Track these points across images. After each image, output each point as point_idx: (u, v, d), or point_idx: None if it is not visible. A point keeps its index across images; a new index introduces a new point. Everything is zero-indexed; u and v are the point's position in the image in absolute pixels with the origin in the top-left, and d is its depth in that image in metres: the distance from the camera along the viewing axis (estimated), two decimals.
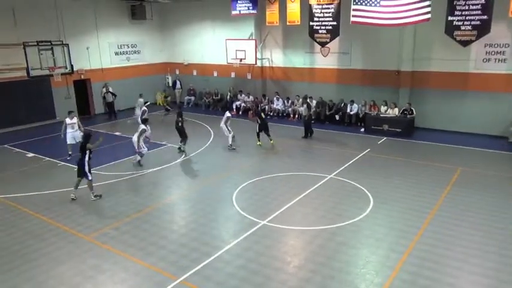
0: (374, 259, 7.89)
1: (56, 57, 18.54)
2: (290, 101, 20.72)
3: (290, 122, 19.89)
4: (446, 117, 17.07)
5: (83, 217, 9.91)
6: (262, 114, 15.95)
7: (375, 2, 14.09)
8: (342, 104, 19.02)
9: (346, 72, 19.31)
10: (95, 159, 14.05)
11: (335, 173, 12.50)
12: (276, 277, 7.35)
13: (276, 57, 21.54)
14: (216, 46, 23.01)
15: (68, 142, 14.30)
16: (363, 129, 17.74)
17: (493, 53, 15.66)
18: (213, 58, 23.49)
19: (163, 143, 16.19)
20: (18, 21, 18.40)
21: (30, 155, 15.03)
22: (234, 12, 19.78)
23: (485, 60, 15.86)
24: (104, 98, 21.69)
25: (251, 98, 21.70)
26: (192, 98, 24.21)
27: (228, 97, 22.67)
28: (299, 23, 17.54)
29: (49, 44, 18.24)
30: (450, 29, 13.55)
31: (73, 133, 14.27)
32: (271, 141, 15.67)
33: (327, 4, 15.85)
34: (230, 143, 15.18)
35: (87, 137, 10.87)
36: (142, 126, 13.55)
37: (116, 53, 23.19)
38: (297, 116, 20.09)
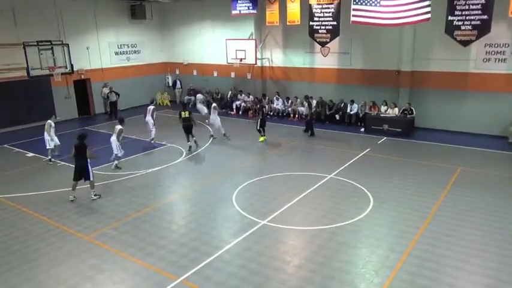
0: (374, 259, 7.88)
1: (56, 57, 18.54)
2: (290, 101, 20.71)
3: (290, 121, 19.87)
4: (446, 117, 17.07)
5: (83, 217, 9.90)
6: (264, 111, 15.98)
7: (375, 2, 14.07)
8: (342, 104, 19.01)
9: (346, 72, 19.30)
10: (97, 158, 14.13)
11: (335, 172, 12.49)
12: (275, 277, 7.34)
13: (276, 57, 21.53)
14: (216, 46, 23.01)
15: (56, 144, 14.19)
16: (363, 129, 17.73)
17: (493, 52, 15.65)
18: (213, 58, 23.50)
19: (163, 143, 16.18)
20: (18, 21, 18.40)
21: (30, 154, 15.03)
22: (234, 12, 19.77)
23: (485, 60, 15.86)
24: (107, 97, 21.66)
25: (251, 97, 21.70)
26: (192, 97, 24.17)
27: (228, 97, 22.67)
28: (299, 23, 17.53)
29: (49, 43, 18.24)
30: (450, 29, 13.53)
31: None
32: (264, 138, 15.89)
33: (327, 4, 15.84)
34: (223, 132, 16.41)
35: (83, 137, 10.75)
36: (119, 127, 13.32)
37: (116, 53, 23.19)
38: (297, 116, 20.10)
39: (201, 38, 23.96)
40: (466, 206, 10.04)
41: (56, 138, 14.27)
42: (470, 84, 16.36)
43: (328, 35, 16.24)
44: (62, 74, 18.93)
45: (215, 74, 23.89)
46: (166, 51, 25.85)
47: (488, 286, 6.98)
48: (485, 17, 12.86)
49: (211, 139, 16.48)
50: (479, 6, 12.86)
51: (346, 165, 13.21)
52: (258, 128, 16.11)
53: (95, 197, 10.87)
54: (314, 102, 19.49)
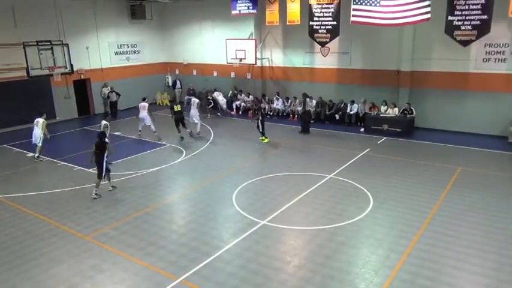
0: (374, 259, 7.88)
1: (55, 57, 18.50)
2: (290, 101, 20.71)
3: (290, 121, 19.87)
4: (446, 117, 17.07)
5: (83, 217, 9.90)
6: (263, 111, 15.93)
7: (375, 2, 14.07)
8: (342, 104, 19.01)
9: (346, 72, 19.30)
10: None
11: (335, 172, 12.49)
12: (275, 277, 7.34)
13: (276, 57, 21.53)
14: (215, 46, 23.00)
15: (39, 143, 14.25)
16: (362, 129, 17.73)
17: (493, 52, 15.66)
18: (213, 58, 23.49)
19: (163, 143, 16.18)
20: (18, 21, 18.38)
21: (30, 154, 15.01)
22: (233, 12, 19.76)
23: (485, 60, 15.86)
24: (108, 97, 21.63)
25: (251, 97, 21.70)
26: (192, 97, 24.14)
27: (228, 96, 22.66)
28: (299, 23, 17.52)
29: (49, 43, 18.21)
30: (450, 29, 13.53)
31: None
32: (265, 140, 15.77)
33: (326, 4, 15.84)
34: (198, 130, 16.84)
35: (103, 134, 11.16)
36: (105, 122, 13.78)
37: (116, 53, 23.18)
38: (296, 116, 20.10)
39: (201, 38, 23.96)
40: (466, 206, 10.04)
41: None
42: (470, 84, 16.36)
43: (328, 35, 16.24)
44: (62, 74, 18.90)
45: (215, 74, 23.89)
46: (166, 51, 25.85)
47: (488, 286, 6.98)
48: (485, 17, 12.86)
49: (182, 139, 16.47)
50: (479, 6, 12.87)
51: (346, 165, 13.21)
52: (262, 130, 16.02)
53: (96, 196, 10.94)
54: (314, 102, 19.53)
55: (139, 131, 17.02)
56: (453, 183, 11.49)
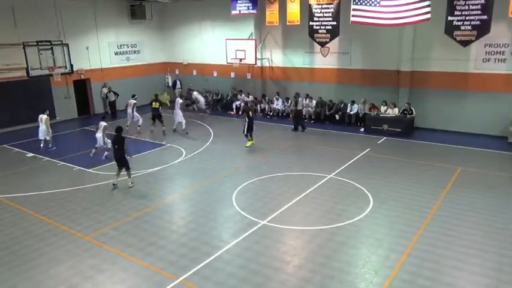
0: (374, 259, 7.89)
1: (55, 57, 18.50)
2: (290, 101, 20.71)
3: (290, 122, 19.84)
4: (446, 117, 17.07)
5: (83, 217, 9.90)
6: (251, 113, 15.49)
7: (375, 2, 14.07)
8: (342, 105, 19.01)
9: (345, 72, 19.30)
10: (95, 158, 14.13)
11: (335, 172, 12.49)
12: (275, 277, 7.34)
13: (276, 57, 21.53)
14: (215, 46, 23.00)
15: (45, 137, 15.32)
16: (362, 129, 17.73)
17: (492, 53, 15.66)
18: (213, 58, 23.49)
19: (163, 143, 16.19)
20: (18, 21, 18.38)
21: (30, 154, 15.02)
22: (233, 12, 19.76)
23: (485, 60, 15.86)
24: (106, 97, 21.64)
25: (251, 97, 21.70)
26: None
27: (228, 97, 22.67)
28: (299, 23, 17.52)
29: (49, 43, 18.21)
30: (450, 29, 13.54)
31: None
32: (248, 143, 15.38)
33: (326, 4, 15.84)
34: (183, 127, 17.37)
35: (120, 130, 11.62)
36: (104, 123, 14.24)
37: (116, 53, 23.18)
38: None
39: (201, 38, 23.96)
40: (466, 206, 10.04)
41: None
42: (470, 84, 16.36)
43: (328, 35, 16.24)
44: (62, 74, 18.91)
45: (215, 74, 23.88)
46: (166, 51, 25.85)
47: (488, 286, 6.98)
48: (485, 17, 12.87)
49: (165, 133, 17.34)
50: (479, 7, 12.87)
51: (346, 165, 13.22)
52: (245, 132, 15.33)
53: (131, 185, 11.67)
54: (314, 102, 19.56)
55: (132, 126, 17.83)
56: (453, 183, 11.49)
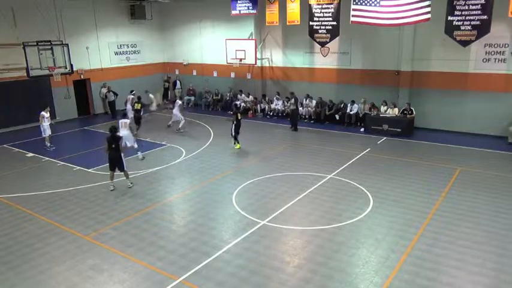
0: (373, 259, 7.89)
1: (55, 57, 18.47)
2: (288, 102, 20.71)
3: (290, 122, 19.84)
4: (446, 117, 17.07)
5: (82, 217, 9.90)
6: (239, 115, 15.17)
7: (375, 2, 14.07)
8: (342, 105, 19.01)
9: (345, 72, 19.30)
10: (96, 158, 14.13)
11: (335, 172, 12.50)
12: (275, 277, 7.35)
13: (276, 57, 21.53)
14: (215, 46, 23.01)
15: (49, 133, 15.54)
16: (362, 129, 17.74)
17: (492, 53, 15.66)
18: (213, 58, 23.50)
19: (163, 143, 16.19)
20: (17, 21, 18.39)
21: (30, 154, 15.03)
22: (233, 12, 19.76)
23: (485, 60, 15.86)
24: (106, 97, 21.66)
25: (251, 97, 21.71)
26: (192, 97, 24.21)
27: (228, 97, 22.68)
28: (299, 23, 17.51)
29: (49, 43, 18.19)
30: (450, 29, 13.53)
31: (48, 125, 15.55)
32: (237, 146, 15.16)
33: (326, 4, 15.83)
34: (180, 126, 17.54)
35: (115, 129, 11.42)
36: (126, 120, 14.32)
37: (116, 53, 23.20)
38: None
39: (200, 38, 23.96)
40: (466, 206, 10.04)
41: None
42: (470, 84, 16.36)
43: (328, 35, 16.23)
44: (62, 74, 18.90)
45: (215, 74, 23.88)
46: (166, 51, 25.86)
47: (488, 286, 6.98)
48: (484, 17, 12.86)
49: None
50: (478, 7, 12.86)
51: (346, 165, 13.22)
52: (233, 134, 15.03)
53: (131, 185, 11.65)
54: (314, 102, 19.57)
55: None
56: (453, 184, 11.49)
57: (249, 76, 22.40)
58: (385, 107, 17.74)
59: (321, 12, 16.10)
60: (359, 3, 14.37)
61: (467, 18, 13.12)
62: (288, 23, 18.04)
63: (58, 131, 18.28)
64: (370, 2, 14.15)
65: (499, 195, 10.59)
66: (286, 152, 15.01)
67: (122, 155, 11.50)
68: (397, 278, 7.25)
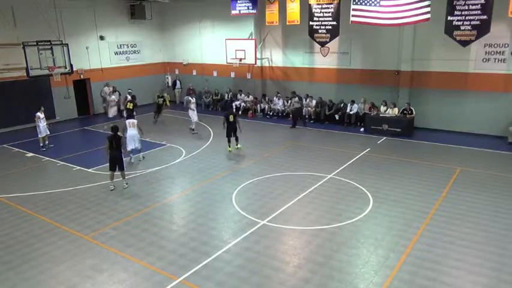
0: (373, 259, 7.89)
1: (55, 57, 18.46)
2: (289, 101, 20.72)
3: (289, 121, 19.86)
4: (446, 117, 17.07)
5: (82, 217, 9.90)
6: (231, 116, 14.64)
7: (375, 2, 14.07)
8: (342, 104, 19.01)
9: (345, 72, 19.30)
10: (96, 158, 14.13)
11: (334, 172, 12.50)
12: (275, 277, 7.34)
13: (276, 57, 21.53)
14: (215, 46, 23.01)
15: (46, 134, 15.57)
16: (362, 129, 17.74)
17: (492, 53, 15.66)
18: (213, 58, 23.50)
19: (163, 143, 16.18)
20: (17, 21, 18.39)
21: (30, 154, 15.03)
22: (233, 12, 19.76)
23: (484, 60, 15.86)
24: (109, 96, 21.48)
25: (251, 97, 21.71)
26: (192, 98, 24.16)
27: (228, 97, 22.68)
28: (299, 23, 17.51)
29: (48, 43, 18.18)
30: (450, 29, 13.53)
31: (45, 125, 15.57)
32: (238, 146, 14.99)
33: (326, 4, 15.83)
34: (193, 127, 17.44)
35: (116, 129, 11.44)
36: (133, 120, 14.18)
37: (116, 53, 23.19)
38: (290, 114, 20.11)
39: (200, 37, 23.96)
40: (466, 206, 10.04)
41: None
42: (470, 84, 16.37)
43: (328, 35, 16.24)
44: (62, 74, 18.88)
45: (215, 73, 23.88)
46: (166, 51, 25.86)
47: (488, 286, 6.98)
48: (484, 17, 12.86)
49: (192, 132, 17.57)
50: (478, 7, 12.86)
51: (346, 165, 13.22)
52: (227, 136, 14.78)
53: (126, 186, 11.67)
54: (314, 102, 19.58)
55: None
56: (453, 183, 11.50)
57: (249, 76, 22.40)
58: (385, 107, 17.74)
59: (320, 12, 16.10)
60: (359, 3, 14.37)
61: (467, 18, 13.12)
62: (287, 23, 18.04)
63: (58, 131, 18.30)
64: (370, 2, 14.16)
65: (499, 195, 10.59)
66: (286, 152, 15.01)
67: (122, 155, 11.51)
68: (397, 277, 7.25)
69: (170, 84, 25.48)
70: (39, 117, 15.27)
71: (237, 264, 7.75)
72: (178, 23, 24.63)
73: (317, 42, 16.98)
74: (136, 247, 8.45)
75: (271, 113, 20.95)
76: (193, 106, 17.54)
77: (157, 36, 25.32)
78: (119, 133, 11.53)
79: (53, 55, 18.38)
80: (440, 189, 11.10)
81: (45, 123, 15.49)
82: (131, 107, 17.08)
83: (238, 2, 19.33)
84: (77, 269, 7.72)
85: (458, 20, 13.30)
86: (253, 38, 21.21)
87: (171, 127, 18.08)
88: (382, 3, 13.98)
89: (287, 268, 7.64)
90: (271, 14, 18.74)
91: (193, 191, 11.49)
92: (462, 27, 13.28)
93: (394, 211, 9.86)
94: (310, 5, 16.29)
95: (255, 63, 21.15)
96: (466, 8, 13.06)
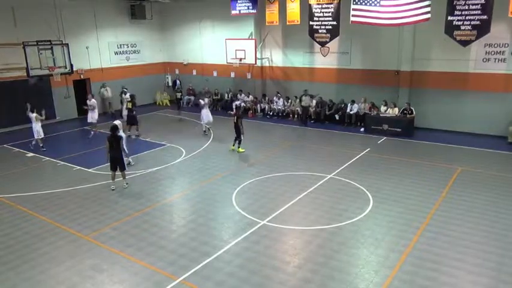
0: (373, 259, 7.89)
1: (55, 57, 18.47)
2: (290, 101, 20.74)
3: (290, 121, 19.89)
4: (446, 117, 17.07)
5: (82, 217, 9.90)
6: (236, 118, 14.73)
7: (375, 2, 14.06)
8: (343, 105, 19.01)
9: (345, 72, 19.30)
10: (96, 158, 14.13)
11: (335, 172, 12.49)
12: (275, 277, 7.35)
13: (276, 57, 21.53)
14: (215, 46, 23.01)
15: (41, 136, 15.36)
16: (362, 129, 17.73)
17: (492, 53, 15.66)
18: (213, 58, 23.50)
19: (163, 143, 16.18)
20: (17, 21, 18.39)
21: (30, 154, 15.03)
22: (233, 12, 19.75)
23: (485, 60, 15.86)
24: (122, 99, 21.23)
25: (251, 97, 21.71)
26: (192, 97, 24.21)
27: (228, 96, 22.68)
28: (299, 23, 17.51)
29: (49, 43, 18.19)
30: (450, 29, 13.52)
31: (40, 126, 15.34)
32: (232, 148, 15.00)
33: (326, 4, 15.82)
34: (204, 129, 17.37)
35: (115, 129, 11.39)
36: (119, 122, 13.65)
37: (116, 53, 23.18)
38: (296, 115, 20.14)
39: (200, 37, 23.96)
40: (466, 206, 10.04)
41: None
42: (470, 84, 16.36)
43: (328, 35, 16.23)
44: (62, 74, 18.89)
45: (215, 73, 23.88)
46: (166, 51, 25.86)
47: (488, 286, 6.98)
48: (484, 17, 12.85)
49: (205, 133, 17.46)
50: (478, 7, 12.85)
51: (346, 165, 13.22)
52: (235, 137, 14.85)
53: (126, 186, 11.68)
54: (314, 102, 19.59)
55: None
56: (453, 183, 11.49)
57: (249, 76, 22.40)
58: (385, 107, 17.74)
59: (321, 12, 16.09)
60: (359, 3, 14.36)
61: (467, 18, 13.11)
62: (288, 23, 18.03)
63: (58, 131, 18.30)
64: (370, 2, 14.15)
65: (499, 195, 10.59)
66: (286, 152, 15.01)
67: (123, 155, 11.51)
68: (397, 277, 7.25)
69: (170, 84, 25.50)
70: (32, 118, 15.04)
71: (237, 264, 7.75)
72: (179, 23, 24.64)
73: (317, 42, 16.97)
74: (136, 247, 8.45)
75: (271, 113, 20.95)
76: (205, 106, 17.36)
77: (157, 36, 25.32)
78: (117, 133, 11.48)
79: (53, 55, 18.39)
80: (440, 189, 11.10)
81: (39, 123, 15.17)
82: (130, 106, 17.07)
83: (238, 2, 19.33)
84: (77, 269, 7.72)
85: (458, 20, 13.28)
86: (253, 38, 21.21)
87: (171, 127, 18.07)
88: (382, 3, 13.96)
89: (287, 268, 7.64)
90: (271, 13, 18.74)
91: (193, 191, 11.49)
92: (462, 27, 13.27)
93: (394, 211, 9.86)
94: (310, 5, 16.28)
95: (255, 63, 21.15)
96: (466, 8, 13.05)
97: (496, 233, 8.71)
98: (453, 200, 10.40)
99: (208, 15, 23.03)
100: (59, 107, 20.49)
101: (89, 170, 13.22)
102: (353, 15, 14.65)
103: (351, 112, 18.56)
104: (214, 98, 23.26)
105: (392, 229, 8.99)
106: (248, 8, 19.20)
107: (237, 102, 21.68)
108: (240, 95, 22.15)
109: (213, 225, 9.41)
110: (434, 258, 7.82)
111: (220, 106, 22.96)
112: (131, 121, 16.86)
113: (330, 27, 16.00)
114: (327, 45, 17.57)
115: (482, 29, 12.99)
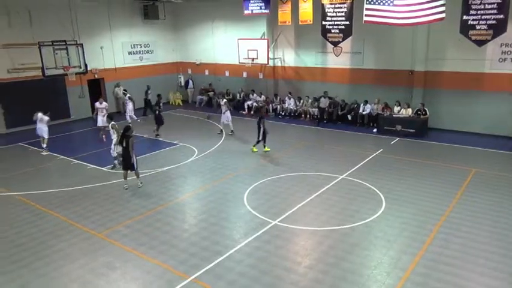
0: (386, 260, 7.83)
1: (70, 57, 18.75)
2: (302, 101, 20.68)
3: (302, 121, 19.83)
4: (461, 117, 16.84)
5: (96, 215, 10.02)
6: (261, 124, 14.55)
7: (388, 1, 13.94)
8: (355, 105, 18.89)
9: (358, 72, 19.18)
10: (109, 157, 14.27)
11: (347, 173, 12.43)
12: (286, 277, 7.34)
13: (288, 57, 21.50)
14: (228, 46, 23.07)
15: (47, 136, 15.42)
16: (375, 130, 17.60)
17: (509, 52, 15.39)
18: (225, 58, 23.57)
19: (175, 142, 16.28)
20: (33, 22, 18.70)
21: (45, 153, 15.25)
22: (246, 12, 19.79)
23: (501, 60, 15.61)
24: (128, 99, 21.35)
25: (263, 97, 21.71)
26: (204, 97, 24.31)
27: (240, 96, 22.72)
28: (311, 23, 17.46)
29: (64, 43, 18.46)
30: (465, 29, 13.34)
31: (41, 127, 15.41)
32: (264, 148, 14.87)
33: (339, 3, 15.74)
34: (232, 129, 17.32)
35: (127, 129, 11.43)
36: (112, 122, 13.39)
37: (129, 53, 23.41)
38: (309, 115, 20.09)
39: (213, 37, 24.05)
40: (480, 208, 9.89)
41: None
42: (486, 84, 16.11)
43: (341, 35, 16.14)
44: (76, 73, 19.15)
45: (227, 73, 23.95)
46: (179, 51, 26.01)
47: None
48: (501, 16, 12.65)
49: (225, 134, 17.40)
50: (494, 6, 12.65)
51: (358, 165, 13.13)
52: (259, 138, 14.72)
53: (141, 185, 11.73)
54: (327, 102, 19.51)
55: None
56: (467, 185, 11.34)
57: (261, 76, 22.41)
58: (399, 107, 17.57)
59: (333, 11, 16.02)
60: (372, 2, 14.25)
61: (483, 17, 12.92)
62: (300, 23, 18.00)
63: (73, 130, 18.53)
64: (384, 2, 14.02)
65: None
66: (298, 152, 14.97)
67: (134, 155, 11.52)
68: (409, 280, 7.18)
69: (183, 83, 25.64)
70: (42, 119, 15.25)
71: (248, 264, 7.76)
72: (191, 23, 24.76)
73: (330, 42, 16.89)
74: (149, 245, 8.52)
75: (283, 113, 20.92)
76: (224, 107, 17.30)
77: (170, 36, 25.50)
78: (128, 133, 11.38)
79: (68, 55, 18.67)
80: (454, 191, 10.96)
81: (46, 123, 15.34)
82: (157, 107, 17.14)
83: (251, 2, 19.36)
84: (91, 267, 7.82)
85: (473, 20, 13.09)
86: (265, 37, 21.21)
87: (183, 126, 18.16)
88: (395, 2, 13.83)
89: (298, 268, 7.62)
90: (284, 13, 18.73)
91: (205, 190, 11.54)
92: (478, 27, 13.08)
93: (407, 212, 9.77)
94: (323, 4, 16.21)
95: (267, 63, 21.15)
96: (482, 7, 12.86)
97: (511, 235, 8.58)
98: (467, 202, 10.26)
99: (221, 15, 23.10)
100: (74, 106, 20.76)
101: (103, 169, 13.37)
102: (366, 15, 14.54)
103: (364, 113, 18.43)
104: (226, 97, 23.27)
105: (405, 230, 8.91)
106: (261, 8, 19.22)
107: (249, 103, 21.74)
108: (252, 94, 22.17)
109: (225, 225, 9.44)
110: (447, 260, 7.73)
111: (232, 106, 22.95)
112: (159, 121, 16.98)
113: (343, 27, 15.92)
114: (339, 45, 17.48)
115: (498, 28, 12.79)
